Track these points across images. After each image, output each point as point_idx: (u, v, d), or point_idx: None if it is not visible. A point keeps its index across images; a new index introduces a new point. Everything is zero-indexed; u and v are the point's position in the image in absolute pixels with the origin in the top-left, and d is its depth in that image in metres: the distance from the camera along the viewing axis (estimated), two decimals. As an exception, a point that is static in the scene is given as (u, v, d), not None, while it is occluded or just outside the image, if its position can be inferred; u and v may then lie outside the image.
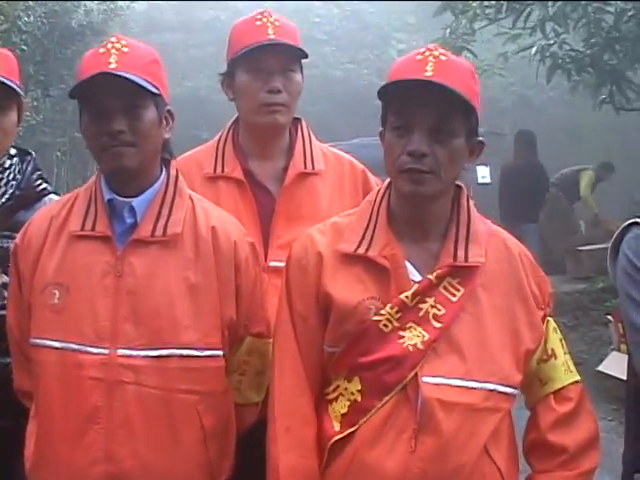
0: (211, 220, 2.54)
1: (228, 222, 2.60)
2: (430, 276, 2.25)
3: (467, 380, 2.20)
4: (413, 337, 2.22)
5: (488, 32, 11.75)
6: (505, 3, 10.09)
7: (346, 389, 2.27)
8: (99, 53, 2.46)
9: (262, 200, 2.99)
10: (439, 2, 11.11)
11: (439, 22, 11.80)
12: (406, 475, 2.16)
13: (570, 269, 12.54)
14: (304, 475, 2.28)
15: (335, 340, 2.29)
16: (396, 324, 2.23)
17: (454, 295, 2.25)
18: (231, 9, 22.71)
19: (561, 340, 2.40)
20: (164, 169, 2.59)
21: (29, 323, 2.50)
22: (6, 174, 2.97)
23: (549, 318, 2.38)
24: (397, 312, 2.23)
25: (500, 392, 2.24)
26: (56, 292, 2.45)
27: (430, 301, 2.24)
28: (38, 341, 2.46)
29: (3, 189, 2.94)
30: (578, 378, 2.40)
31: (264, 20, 2.98)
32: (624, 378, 2.71)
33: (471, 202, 2.37)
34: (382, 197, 2.37)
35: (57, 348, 2.42)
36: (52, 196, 2.98)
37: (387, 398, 2.20)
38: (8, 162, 2.99)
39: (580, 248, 12.07)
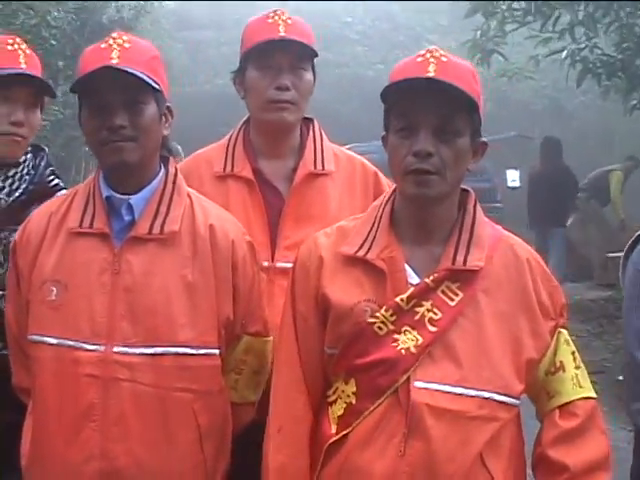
0: (209, 218, 2.53)
1: (226, 220, 2.59)
2: (427, 279, 2.22)
3: (460, 387, 2.16)
4: (407, 341, 2.19)
5: (519, 35, 11.70)
6: (533, 5, 10.01)
7: (343, 391, 2.26)
8: (101, 48, 2.45)
9: (271, 200, 2.97)
10: (470, 4, 11.06)
11: (471, 24, 11.77)
12: (394, 479, 2.14)
13: (597, 276, 12.45)
14: (292, 475, 2.28)
15: (333, 342, 2.28)
16: (391, 327, 2.21)
17: (452, 300, 2.21)
18: (264, 7, 22.79)
19: (574, 353, 2.34)
20: (162, 166, 2.58)
21: (27, 319, 2.50)
22: (20, 168, 2.99)
23: (561, 330, 2.32)
24: (392, 315, 2.21)
25: (496, 401, 2.19)
26: (54, 289, 2.45)
27: (427, 305, 2.21)
28: (35, 337, 2.46)
29: (17, 184, 2.97)
30: (589, 394, 2.32)
31: (276, 18, 2.95)
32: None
33: (478, 207, 2.34)
34: (387, 201, 2.36)
35: (54, 344, 2.42)
36: (64, 192, 2.98)
37: (379, 401, 2.18)
38: (22, 157, 3.02)
39: (608, 255, 11.97)
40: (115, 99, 2.40)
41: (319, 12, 25.96)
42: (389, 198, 2.36)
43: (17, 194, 2.94)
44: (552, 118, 21.60)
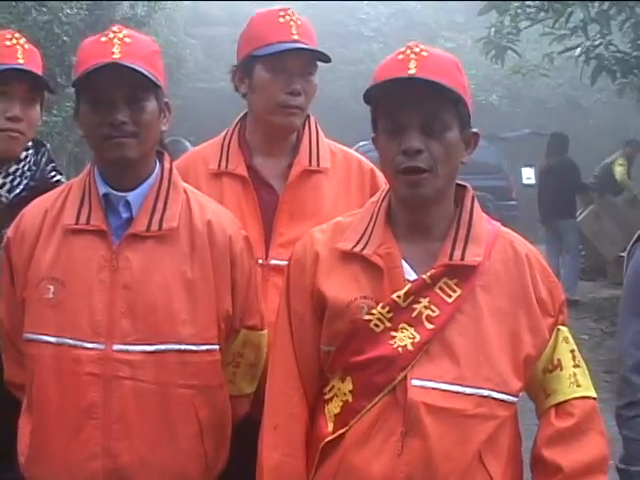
0: (206, 214, 2.53)
1: (223, 216, 2.58)
2: (424, 276, 2.19)
3: (458, 385, 2.14)
4: (404, 338, 2.17)
5: (535, 32, 11.65)
6: (546, 3, 9.96)
7: (339, 389, 2.24)
8: (101, 42, 2.43)
9: (265, 197, 2.96)
10: (485, 1, 11.02)
11: (486, 21, 11.74)
12: (391, 479, 2.11)
13: (610, 274, 12.40)
14: (287, 474, 2.26)
15: (330, 339, 2.26)
16: (388, 324, 2.18)
17: (450, 296, 2.18)
18: (278, 4, 22.77)
19: (573, 351, 2.30)
20: (158, 162, 2.57)
21: (21, 316, 2.49)
22: (21, 165, 2.98)
23: (561, 327, 2.29)
24: (389, 312, 2.18)
25: (495, 399, 2.16)
26: (51, 287, 2.43)
27: (424, 302, 2.18)
28: (33, 336, 2.45)
29: (18, 180, 2.96)
30: (587, 394, 2.28)
31: (287, 18, 2.92)
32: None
33: (476, 203, 2.31)
34: (384, 197, 2.34)
35: (53, 343, 2.41)
36: None
37: (376, 400, 2.16)
38: (24, 153, 3.01)
39: (621, 254, 11.92)
40: (117, 94, 2.38)
41: (335, 9, 25.94)
42: (386, 194, 2.34)
43: (18, 191, 2.93)
44: (568, 115, 21.52)
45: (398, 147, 2.16)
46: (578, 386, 2.27)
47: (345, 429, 2.19)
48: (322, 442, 2.22)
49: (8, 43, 2.92)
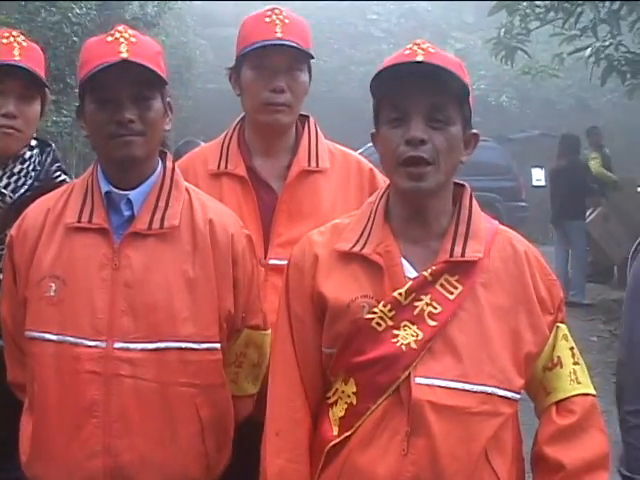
0: (208, 213, 2.53)
1: (225, 215, 2.58)
2: (425, 273, 2.19)
3: (462, 382, 2.13)
4: (407, 336, 2.15)
5: (545, 32, 11.63)
6: (555, 3, 9.94)
7: (343, 392, 2.22)
8: (107, 42, 2.43)
9: (264, 197, 2.96)
10: (495, 1, 11.01)
11: (496, 21, 11.72)
12: (398, 479, 2.10)
13: (618, 276, 12.37)
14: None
15: (331, 340, 2.25)
16: (390, 323, 2.17)
17: (451, 293, 2.17)
18: (289, 5, 22.78)
19: (572, 349, 2.30)
20: (160, 162, 2.57)
21: (23, 316, 2.49)
22: (26, 165, 2.98)
23: (560, 325, 2.29)
24: (390, 310, 2.17)
25: (499, 395, 2.15)
26: (52, 285, 2.44)
27: (426, 299, 2.17)
28: (34, 334, 2.45)
29: (22, 180, 2.96)
30: (587, 390, 2.28)
31: (273, 17, 2.93)
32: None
33: (474, 201, 2.31)
34: (382, 196, 2.33)
35: (54, 341, 2.41)
36: None
37: (380, 400, 2.14)
38: (28, 153, 3.01)
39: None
40: (124, 93, 2.39)
41: (345, 10, 25.94)
42: (383, 193, 2.33)
43: (22, 190, 2.93)
44: (578, 116, 21.47)
45: (401, 137, 2.15)
46: (578, 383, 2.27)
47: (350, 432, 2.17)
48: (327, 446, 2.21)
49: (5, 41, 2.93)
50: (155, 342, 2.39)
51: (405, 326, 2.16)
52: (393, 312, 2.17)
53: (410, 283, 2.18)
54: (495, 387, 2.14)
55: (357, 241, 2.25)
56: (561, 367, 2.26)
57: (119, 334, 2.38)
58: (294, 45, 2.89)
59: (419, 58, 2.14)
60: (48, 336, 2.41)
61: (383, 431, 2.13)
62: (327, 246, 2.29)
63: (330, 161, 3.03)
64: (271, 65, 2.90)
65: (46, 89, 3.05)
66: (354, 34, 25.99)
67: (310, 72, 3.01)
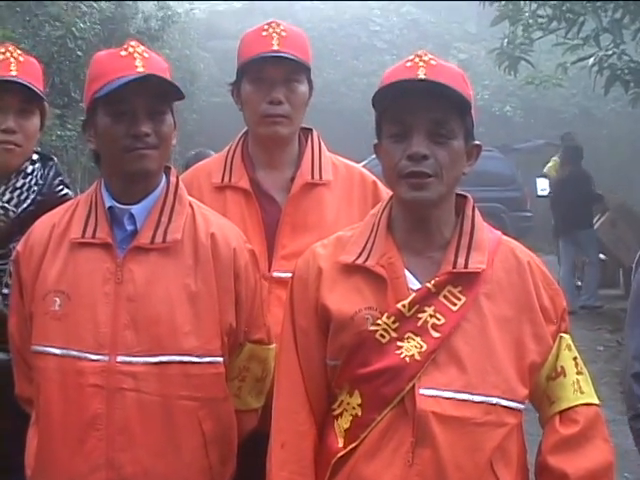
0: (211, 227, 2.54)
1: (228, 229, 2.59)
2: (428, 284, 2.19)
3: (466, 393, 2.13)
4: (411, 348, 2.16)
5: (548, 42, 11.64)
6: (557, 12, 9.95)
7: (348, 404, 2.23)
8: (121, 56, 2.45)
9: (268, 210, 2.97)
10: (497, 10, 11.03)
11: (500, 32, 11.73)
12: None
13: (625, 285, 12.34)
14: None
15: (335, 353, 2.25)
16: (394, 334, 2.17)
17: (455, 304, 2.18)
18: (292, 17, 22.81)
19: (575, 359, 2.30)
20: (164, 176, 2.58)
21: (30, 331, 2.51)
22: (28, 179, 2.99)
23: (563, 334, 2.29)
24: (394, 322, 2.17)
25: (503, 406, 2.16)
26: (57, 299, 2.45)
27: (429, 310, 2.18)
28: (39, 348, 2.46)
29: (25, 194, 2.96)
30: (590, 400, 2.28)
31: (270, 31, 2.95)
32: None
33: (477, 212, 2.32)
34: (384, 208, 2.34)
35: (57, 355, 2.42)
36: None
37: (385, 411, 2.15)
38: (30, 167, 3.01)
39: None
40: (139, 107, 2.41)
41: (348, 21, 25.96)
42: (386, 205, 2.34)
43: (25, 205, 2.93)
44: (582, 126, 21.47)
45: (403, 152, 2.16)
46: (582, 393, 2.27)
47: (356, 443, 2.17)
48: (333, 458, 2.21)
49: (1, 57, 2.94)
50: (157, 356, 2.39)
51: (409, 338, 2.17)
52: (397, 324, 2.17)
53: (413, 295, 2.18)
54: (499, 397, 2.15)
55: (360, 253, 2.26)
56: (564, 377, 2.26)
57: (122, 348, 2.39)
58: (290, 57, 2.90)
59: (421, 73, 2.15)
60: (52, 350, 2.42)
61: (388, 442, 2.13)
62: (331, 259, 2.30)
63: (333, 173, 3.04)
64: (268, 77, 2.92)
65: (45, 102, 3.05)
66: (357, 46, 26.01)
67: (310, 83, 3.03)
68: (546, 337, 2.24)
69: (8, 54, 2.94)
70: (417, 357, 2.14)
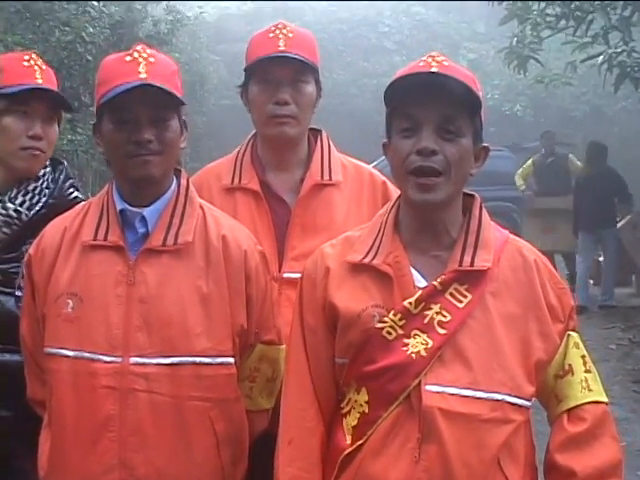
0: (222, 229, 2.55)
1: (238, 231, 2.60)
2: (434, 282, 2.21)
3: (472, 389, 2.14)
4: (417, 345, 2.17)
5: (557, 41, 11.62)
6: (566, 10, 9.93)
7: (356, 401, 2.24)
8: (126, 61, 2.46)
9: (278, 211, 2.98)
10: (506, 9, 11.02)
11: (508, 31, 11.72)
12: None
13: (637, 283, 12.30)
14: None
15: (343, 350, 2.27)
16: (400, 331, 2.19)
17: (461, 302, 2.19)
18: (301, 19, 22.84)
19: (584, 357, 2.30)
20: (174, 179, 2.60)
21: (42, 333, 2.53)
22: (40, 183, 3.03)
23: (571, 332, 2.30)
24: (401, 319, 2.19)
25: (510, 403, 2.17)
26: (69, 302, 2.47)
27: (436, 308, 2.19)
28: (52, 350, 2.48)
29: (37, 197, 3.01)
30: (598, 398, 2.28)
31: (277, 32, 2.97)
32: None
33: (484, 211, 2.33)
34: (392, 208, 2.36)
35: (70, 357, 2.44)
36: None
37: (392, 408, 2.16)
38: (42, 171, 3.06)
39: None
40: (142, 113, 2.42)
41: (357, 23, 25.96)
42: (394, 205, 2.36)
43: (37, 208, 2.98)
44: (592, 124, 21.43)
45: (412, 147, 2.18)
46: (589, 391, 2.27)
47: (363, 440, 2.19)
48: (341, 455, 2.22)
49: (26, 64, 2.98)
50: (170, 357, 2.41)
51: (415, 335, 2.18)
52: (403, 321, 2.19)
53: (420, 292, 2.20)
54: (505, 394, 2.16)
55: (367, 252, 2.28)
56: (572, 375, 2.27)
57: (134, 349, 2.41)
58: (296, 57, 2.91)
59: (433, 70, 2.17)
60: (65, 352, 2.44)
61: (395, 438, 2.15)
62: (338, 258, 2.32)
63: (343, 174, 3.05)
64: (274, 78, 2.94)
65: (64, 110, 3.12)
66: (367, 47, 26.03)
67: (318, 84, 3.04)
68: (553, 335, 2.25)
69: (32, 62, 3.00)
70: (423, 353, 2.16)
